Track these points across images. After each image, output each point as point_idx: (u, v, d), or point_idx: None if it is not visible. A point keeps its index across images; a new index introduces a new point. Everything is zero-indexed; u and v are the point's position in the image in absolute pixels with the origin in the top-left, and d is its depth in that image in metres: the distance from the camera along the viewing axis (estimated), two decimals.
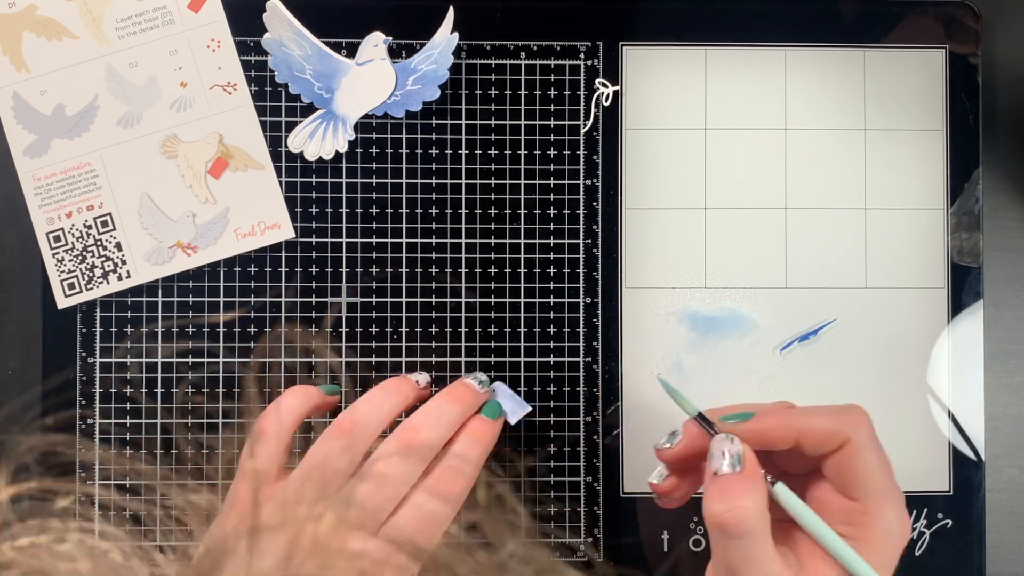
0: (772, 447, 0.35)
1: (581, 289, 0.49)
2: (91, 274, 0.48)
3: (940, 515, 0.48)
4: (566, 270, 0.49)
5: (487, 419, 0.43)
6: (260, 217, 0.48)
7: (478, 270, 0.48)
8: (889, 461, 0.36)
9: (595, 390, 0.48)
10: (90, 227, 0.48)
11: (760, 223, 0.49)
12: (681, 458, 0.37)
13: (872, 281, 0.49)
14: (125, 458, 0.48)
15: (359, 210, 0.48)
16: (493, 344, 0.48)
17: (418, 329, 0.48)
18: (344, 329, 0.48)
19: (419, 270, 0.48)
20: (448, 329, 0.48)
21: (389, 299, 0.48)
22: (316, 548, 0.33)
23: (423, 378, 0.46)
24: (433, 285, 0.48)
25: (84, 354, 0.48)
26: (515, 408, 0.46)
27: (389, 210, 0.49)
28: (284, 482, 0.40)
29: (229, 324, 0.48)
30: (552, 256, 0.49)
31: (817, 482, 0.36)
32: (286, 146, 0.48)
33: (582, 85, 0.49)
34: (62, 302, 0.48)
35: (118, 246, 0.48)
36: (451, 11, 0.47)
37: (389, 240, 0.48)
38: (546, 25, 0.49)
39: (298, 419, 0.42)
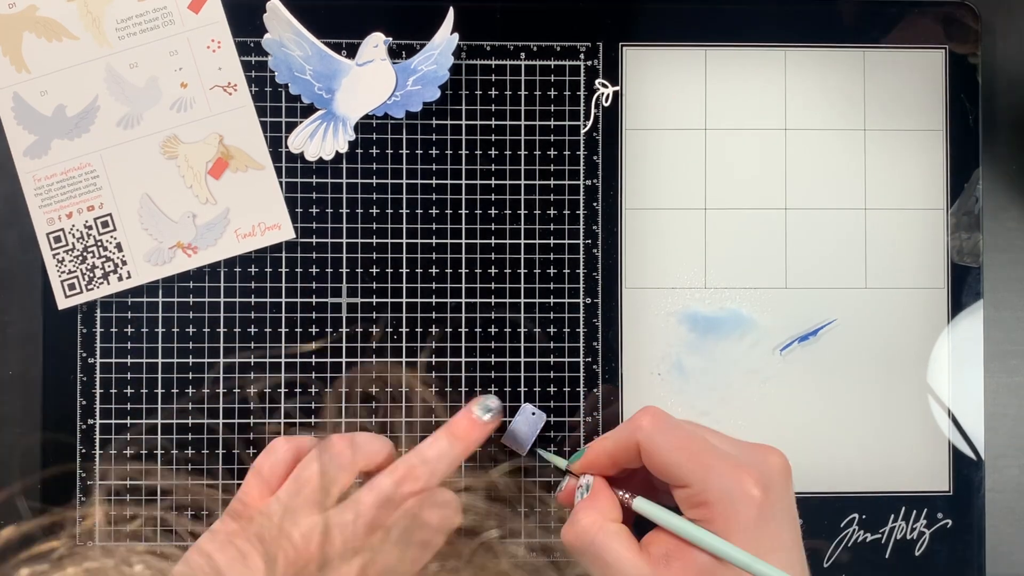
0: (613, 471, 0.40)
1: (581, 289, 0.49)
2: (91, 274, 0.48)
3: (940, 515, 0.48)
4: (566, 270, 0.49)
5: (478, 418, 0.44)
6: (260, 218, 0.48)
7: (478, 270, 0.49)
8: (695, 436, 0.38)
9: (595, 390, 0.48)
10: (90, 228, 0.48)
11: (760, 223, 0.49)
12: (569, 494, 0.42)
13: (872, 281, 0.49)
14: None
15: (359, 210, 0.48)
16: (493, 344, 0.48)
17: (418, 329, 0.48)
18: (344, 329, 0.48)
19: (419, 270, 0.48)
20: (448, 329, 0.48)
21: (389, 299, 0.48)
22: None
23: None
24: (433, 285, 0.48)
25: (84, 354, 0.48)
26: (527, 437, 0.48)
27: (389, 210, 0.49)
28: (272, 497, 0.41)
29: (230, 325, 0.48)
30: (552, 256, 0.49)
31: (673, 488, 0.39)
32: (286, 147, 0.48)
33: (582, 85, 0.49)
34: (62, 302, 0.48)
35: (118, 246, 0.48)
36: (451, 12, 0.47)
37: (389, 240, 0.48)
38: (546, 25, 0.49)
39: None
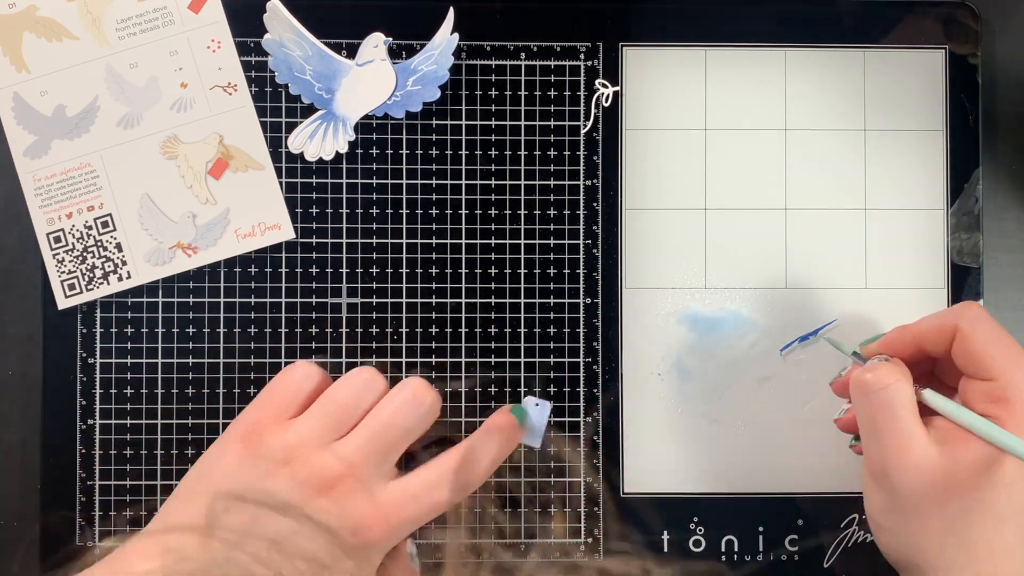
0: (910, 357, 0.41)
1: (581, 289, 0.49)
2: (91, 275, 0.48)
3: None
4: (566, 270, 0.49)
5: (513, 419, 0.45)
6: (260, 218, 0.48)
7: (478, 270, 0.49)
8: (1008, 335, 0.39)
9: (595, 390, 0.48)
10: (90, 228, 0.48)
11: (760, 223, 0.49)
12: (845, 384, 0.42)
13: (872, 281, 0.49)
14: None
15: (359, 210, 0.48)
16: (493, 344, 0.48)
17: (418, 329, 0.48)
18: (344, 329, 0.48)
19: (419, 270, 0.48)
20: (448, 329, 0.48)
21: (389, 299, 0.48)
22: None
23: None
24: (433, 285, 0.48)
25: (84, 355, 0.48)
26: (539, 429, 0.47)
27: (389, 210, 0.49)
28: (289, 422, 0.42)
29: (230, 325, 0.48)
30: (552, 256, 0.49)
31: (962, 382, 0.40)
32: (286, 147, 0.48)
33: (582, 86, 0.49)
34: (62, 303, 0.48)
35: (118, 247, 0.48)
36: (451, 12, 0.47)
37: (389, 240, 0.48)
38: (546, 25, 0.49)
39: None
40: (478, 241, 0.49)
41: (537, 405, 0.48)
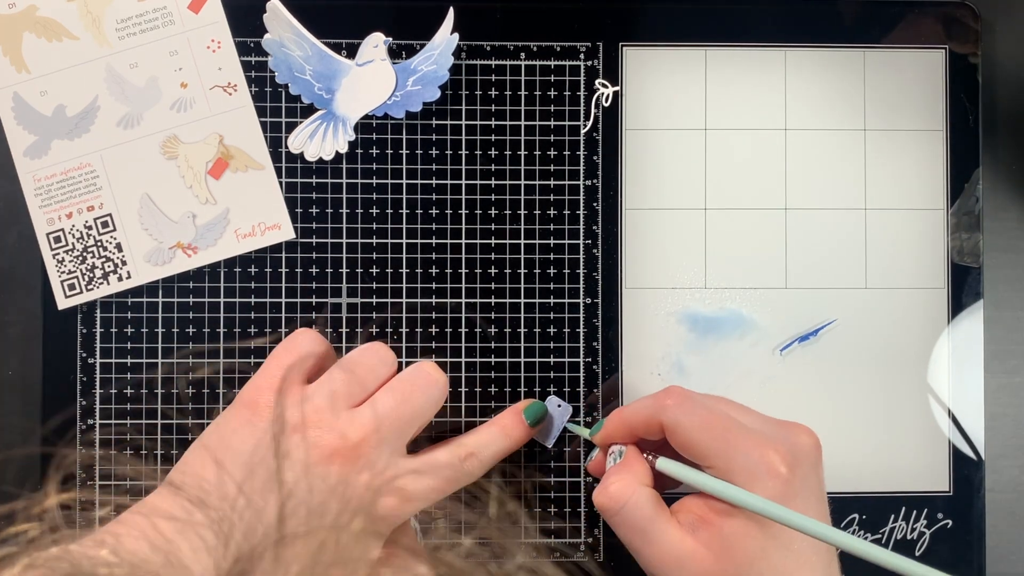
0: (633, 441, 0.42)
1: (581, 289, 0.49)
2: (91, 275, 0.48)
3: (940, 515, 0.48)
4: (566, 270, 0.49)
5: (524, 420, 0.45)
6: (260, 218, 0.48)
7: (478, 270, 0.49)
8: (719, 414, 0.38)
9: (595, 390, 0.48)
10: (90, 228, 0.48)
11: (760, 223, 0.49)
12: (599, 464, 0.44)
13: (872, 281, 0.49)
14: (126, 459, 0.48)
15: (359, 210, 0.48)
16: (493, 344, 0.48)
17: (418, 329, 0.48)
18: (344, 329, 0.48)
19: (419, 270, 0.48)
20: (448, 329, 0.48)
21: (389, 299, 0.48)
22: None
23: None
24: (433, 285, 0.48)
25: (84, 355, 0.48)
26: (551, 432, 0.48)
27: (389, 210, 0.49)
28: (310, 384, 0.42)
29: (230, 324, 0.48)
30: (552, 256, 0.49)
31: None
32: (286, 147, 0.48)
33: (582, 86, 0.49)
34: (62, 303, 0.48)
35: (118, 247, 0.48)
36: (451, 12, 0.47)
37: (389, 240, 0.48)
38: (546, 25, 0.49)
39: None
40: (478, 241, 0.49)
41: (560, 407, 0.48)
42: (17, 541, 0.26)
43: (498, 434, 0.44)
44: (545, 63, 0.49)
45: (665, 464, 0.39)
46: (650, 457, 0.40)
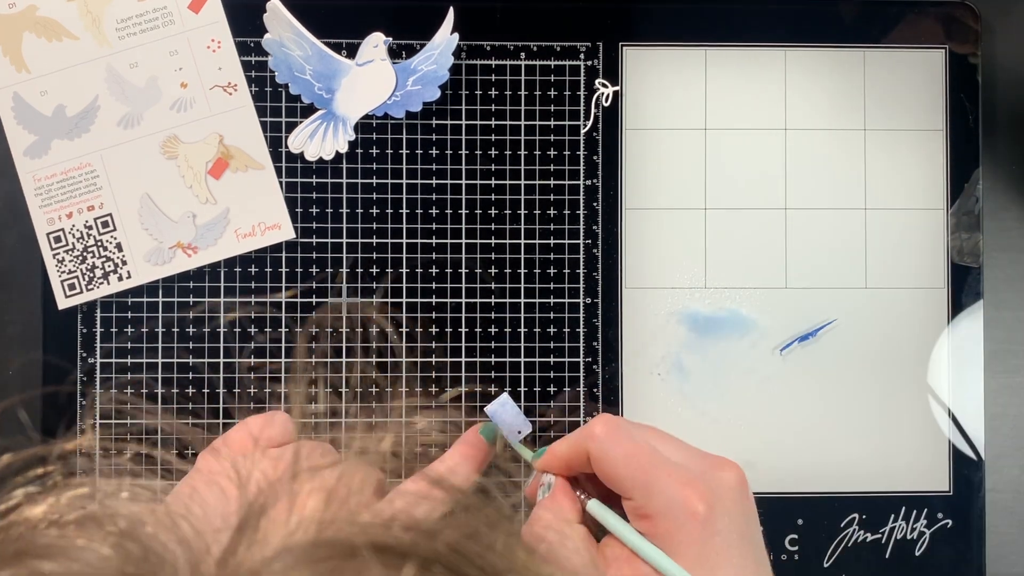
0: (569, 474, 0.40)
1: (581, 289, 0.49)
2: (91, 274, 0.48)
3: (940, 515, 0.48)
4: (566, 270, 0.49)
5: (481, 439, 0.44)
6: (260, 218, 0.48)
7: (478, 270, 0.49)
8: (645, 447, 0.37)
9: (595, 390, 0.48)
10: (90, 228, 0.48)
11: (760, 223, 0.49)
12: (535, 490, 0.42)
13: (872, 281, 0.49)
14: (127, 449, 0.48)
15: (359, 210, 0.48)
16: (493, 344, 0.48)
17: (418, 329, 0.48)
18: (344, 330, 0.48)
19: (419, 270, 0.48)
20: (448, 329, 0.48)
21: (389, 299, 0.48)
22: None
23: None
24: (433, 285, 0.48)
25: (84, 354, 0.48)
26: (516, 426, 0.45)
27: (389, 210, 0.49)
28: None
29: (230, 324, 0.48)
30: (552, 256, 0.49)
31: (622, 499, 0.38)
32: (286, 146, 0.48)
33: (582, 85, 0.49)
34: (62, 302, 0.48)
35: (118, 246, 0.48)
36: (451, 12, 0.47)
37: (389, 240, 0.48)
38: (546, 25, 0.49)
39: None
40: (478, 241, 0.49)
41: (503, 406, 0.45)
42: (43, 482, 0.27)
43: (458, 460, 0.43)
44: (545, 63, 0.49)
45: (595, 508, 0.38)
46: (582, 496, 0.39)
